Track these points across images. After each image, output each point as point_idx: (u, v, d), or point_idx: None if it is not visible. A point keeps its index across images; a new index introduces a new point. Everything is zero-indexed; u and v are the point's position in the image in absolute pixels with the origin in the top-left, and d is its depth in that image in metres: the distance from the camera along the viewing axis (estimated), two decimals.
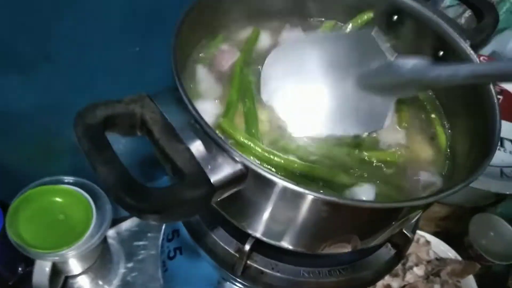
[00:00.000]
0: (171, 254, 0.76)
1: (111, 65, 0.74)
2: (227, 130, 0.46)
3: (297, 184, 0.35)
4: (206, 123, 0.37)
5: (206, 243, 0.54)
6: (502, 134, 1.01)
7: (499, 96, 1.07)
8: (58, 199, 0.82)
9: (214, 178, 0.36)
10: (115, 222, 0.97)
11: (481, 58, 1.08)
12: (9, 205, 0.77)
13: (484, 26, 0.57)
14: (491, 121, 0.46)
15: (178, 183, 0.34)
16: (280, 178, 0.36)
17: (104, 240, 0.93)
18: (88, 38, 0.67)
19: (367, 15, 0.62)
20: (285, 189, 0.37)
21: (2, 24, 0.58)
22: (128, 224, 1.01)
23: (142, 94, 0.39)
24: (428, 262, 1.02)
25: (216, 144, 0.37)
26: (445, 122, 0.57)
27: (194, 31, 0.53)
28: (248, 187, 0.39)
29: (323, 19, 0.65)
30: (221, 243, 0.53)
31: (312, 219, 0.42)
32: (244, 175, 0.38)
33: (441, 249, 1.02)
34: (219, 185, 0.36)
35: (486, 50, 1.19)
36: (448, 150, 0.54)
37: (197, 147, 0.37)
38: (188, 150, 0.36)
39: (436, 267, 0.99)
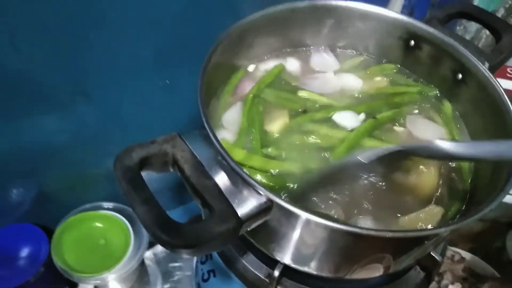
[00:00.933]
0: (205, 277, 0.78)
1: (142, 98, 0.78)
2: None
3: (322, 216, 0.37)
4: (232, 159, 0.40)
5: (237, 268, 0.57)
6: None
7: None
8: (98, 224, 0.85)
9: (241, 211, 0.39)
10: (151, 244, 1.00)
11: (508, 69, 1.07)
12: (53, 231, 0.81)
13: (502, 46, 0.57)
14: None
15: (208, 219, 0.37)
16: (303, 211, 0.38)
17: (142, 262, 0.96)
18: (121, 74, 0.71)
19: (389, 67, 0.66)
20: (309, 221, 0.39)
21: (44, 66, 0.63)
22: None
23: (173, 133, 0.43)
24: (465, 279, 1.00)
25: (241, 179, 0.40)
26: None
27: (218, 68, 0.56)
28: (273, 217, 0.42)
29: (349, 50, 0.68)
30: (251, 268, 0.56)
31: (338, 246, 0.44)
32: (269, 207, 0.40)
33: (478, 265, 0.99)
34: (246, 218, 0.39)
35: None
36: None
37: (224, 182, 0.40)
38: (216, 185, 0.39)
39: (473, 284, 0.97)
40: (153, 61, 0.73)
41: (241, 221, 0.38)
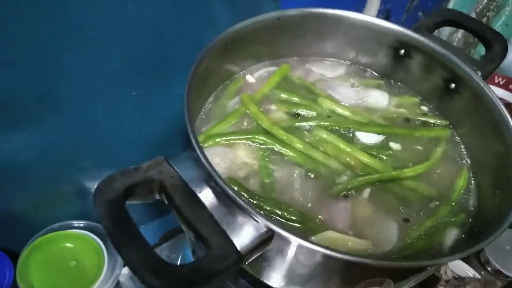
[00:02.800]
0: None
1: (116, 110, 0.74)
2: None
3: (326, 247, 0.34)
4: (227, 185, 0.36)
5: None
6: None
7: None
8: (68, 244, 0.80)
9: (241, 244, 0.35)
10: None
11: (496, 77, 1.08)
12: (19, 254, 0.75)
13: (493, 55, 0.56)
14: None
15: (205, 256, 0.33)
16: (307, 241, 0.34)
17: (117, 283, 0.91)
18: (93, 86, 0.67)
19: (379, 82, 0.64)
20: (313, 251, 0.36)
21: (9, 79, 0.58)
22: None
23: (160, 158, 0.38)
24: (447, 282, 1.00)
25: (239, 207, 0.36)
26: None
27: (206, 80, 0.53)
28: (273, 247, 0.38)
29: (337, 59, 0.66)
30: None
31: (338, 274, 0.41)
32: (270, 237, 0.37)
33: (459, 268, 0.99)
34: (247, 252, 0.35)
35: None
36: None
37: (219, 210, 0.36)
38: (211, 216, 0.36)
39: (455, 287, 0.97)
40: (126, 72, 0.69)
41: (241, 256, 0.35)
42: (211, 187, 0.38)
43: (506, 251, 0.98)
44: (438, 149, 0.56)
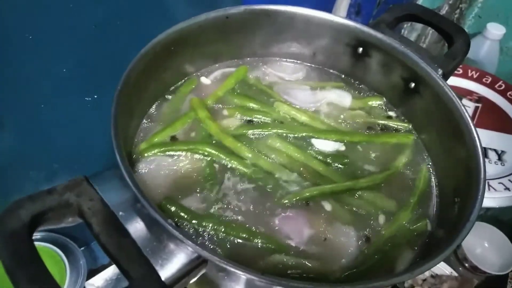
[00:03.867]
0: None
1: (67, 116, 0.70)
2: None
3: (262, 276, 0.30)
4: (154, 209, 0.33)
5: None
6: (484, 144, 0.99)
7: (477, 104, 1.06)
8: None
9: (167, 274, 0.32)
10: (93, 272, 0.92)
11: (469, 70, 1.06)
12: None
13: (455, 52, 0.53)
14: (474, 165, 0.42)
15: None
16: (243, 270, 0.31)
17: None
18: (38, 94, 0.63)
19: (339, 84, 0.61)
20: (251, 280, 0.32)
21: None
22: (110, 272, 0.95)
23: (79, 178, 0.34)
24: (424, 281, 0.98)
25: (167, 233, 0.32)
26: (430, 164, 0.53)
27: (149, 85, 0.49)
28: (210, 272, 0.35)
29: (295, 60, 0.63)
30: None
31: None
32: (202, 262, 0.33)
33: (436, 266, 0.98)
34: (173, 281, 0.32)
35: None
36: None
37: (144, 237, 0.33)
38: (134, 244, 0.32)
39: (432, 285, 0.96)
40: (75, 77, 0.65)
41: (166, 287, 0.31)
42: (137, 210, 0.34)
43: (483, 248, 0.97)
44: (400, 157, 0.52)
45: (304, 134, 0.52)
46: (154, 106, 0.54)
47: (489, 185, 0.93)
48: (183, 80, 0.57)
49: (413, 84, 0.53)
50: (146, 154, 0.47)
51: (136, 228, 0.33)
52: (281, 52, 0.62)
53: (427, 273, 0.99)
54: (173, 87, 0.57)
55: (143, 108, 0.52)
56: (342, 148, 0.52)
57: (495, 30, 1.09)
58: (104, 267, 0.96)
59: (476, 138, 0.44)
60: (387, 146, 0.54)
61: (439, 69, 0.52)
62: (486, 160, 0.95)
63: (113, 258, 0.31)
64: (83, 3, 0.56)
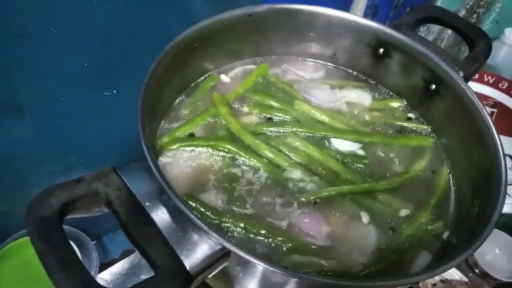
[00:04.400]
0: None
1: (86, 110, 0.70)
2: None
3: (284, 269, 0.31)
4: (180, 200, 0.33)
5: None
6: None
7: (493, 110, 1.05)
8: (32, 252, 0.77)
9: (191, 264, 0.32)
10: (104, 266, 0.93)
11: (485, 75, 1.05)
12: None
13: (476, 55, 0.53)
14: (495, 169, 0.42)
15: (151, 279, 0.30)
16: (266, 263, 0.31)
17: None
18: (59, 86, 0.64)
19: (359, 84, 0.62)
20: (273, 272, 0.32)
21: None
22: (120, 266, 0.96)
23: (107, 168, 0.35)
24: (433, 285, 0.98)
25: (192, 224, 0.33)
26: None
27: (171, 79, 0.50)
28: (231, 265, 0.35)
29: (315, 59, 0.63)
30: None
31: None
32: (226, 255, 0.34)
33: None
34: (198, 272, 0.32)
35: None
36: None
37: (170, 227, 0.33)
38: (159, 233, 0.32)
39: None
40: (96, 70, 0.65)
41: (191, 277, 0.31)
42: (163, 201, 0.35)
43: (494, 254, 0.97)
44: (420, 161, 0.52)
45: (323, 134, 0.53)
46: (176, 101, 0.55)
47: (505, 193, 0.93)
48: (204, 77, 0.58)
49: (434, 86, 0.53)
50: (168, 148, 0.48)
51: (162, 218, 0.34)
52: (301, 51, 0.62)
53: (437, 278, 0.99)
54: (194, 83, 0.57)
55: (166, 103, 0.53)
56: (361, 149, 0.52)
57: None
58: (114, 261, 0.98)
59: (498, 142, 0.44)
60: (406, 148, 0.54)
61: (460, 72, 0.52)
62: None
63: (139, 247, 0.32)
64: None
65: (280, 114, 0.55)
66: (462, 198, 0.48)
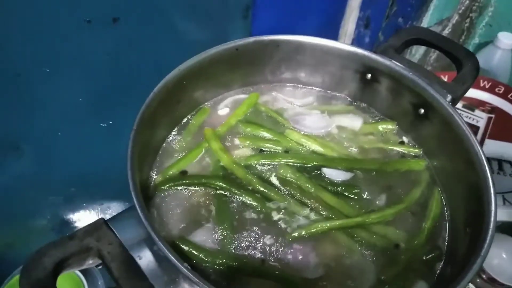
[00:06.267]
0: None
1: (83, 142, 0.72)
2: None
3: None
4: (171, 251, 0.34)
5: None
6: (498, 156, 0.98)
7: (490, 115, 1.05)
8: None
9: None
10: None
11: (481, 80, 1.05)
12: None
13: (464, 76, 0.53)
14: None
15: None
16: None
17: None
18: (55, 122, 0.65)
19: (349, 108, 0.62)
20: None
21: None
22: None
23: (98, 221, 0.36)
24: None
25: (183, 275, 0.33)
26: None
27: (162, 118, 0.51)
28: None
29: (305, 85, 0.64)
30: None
31: None
32: None
33: None
34: None
35: None
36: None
37: (161, 279, 0.34)
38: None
39: None
40: (90, 104, 0.67)
41: None
42: (153, 252, 0.35)
43: (502, 259, 0.96)
44: (414, 190, 0.52)
45: (315, 163, 0.53)
46: (169, 138, 0.55)
47: (504, 199, 0.92)
48: (195, 111, 0.59)
49: (422, 110, 0.54)
50: (161, 188, 0.49)
51: (153, 270, 0.34)
52: (290, 78, 0.62)
53: None
54: (186, 119, 0.58)
55: (159, 141, 0.54)
56: (353, 178, 0.53)
57: (506, 39, 1.08)
58: None
59: (487, 169, 0.44)
60: (398, 173, 0.54)
61: (448, 95, 0.52)
62: (501, 173, 0.94)
63: None
64: (95, 34, 0.58)
65: (271, 145, 0.55)
66: (456, 225, 0.48)
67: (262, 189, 0.49)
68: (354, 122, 0.59)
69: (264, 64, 0.60)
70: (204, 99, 0.59)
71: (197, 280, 0.33)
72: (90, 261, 0.35)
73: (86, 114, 0.68)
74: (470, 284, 0.94)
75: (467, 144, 0.47)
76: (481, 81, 1.05)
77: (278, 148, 0.55)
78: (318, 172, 0.53)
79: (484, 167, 0.44)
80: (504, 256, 0.96)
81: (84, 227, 0.35)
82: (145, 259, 0.35)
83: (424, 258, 0.46)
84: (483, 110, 1.04)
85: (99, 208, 0.84)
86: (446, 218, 0.50)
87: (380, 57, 0.54)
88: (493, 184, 0.43)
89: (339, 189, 0.51)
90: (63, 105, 0.64)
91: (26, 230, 0.80)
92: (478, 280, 0.96)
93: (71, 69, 0.60)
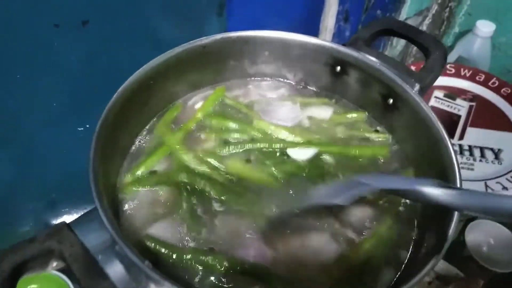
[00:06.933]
0: None
1: (62, 147, 0.71)
2: None
3: None
4: (130, 249, 0.34)
5: None
6: (480, 143, 0.99)
7: (472, 103, 1.05)
8: (33, 286, 0.77)
9: None
10: None
11: (448, 66, 1.06)
12: None
13: (432, 64, 0.54)
14: None
15: None
16: None
17: None
18: (32, 126, 0.64)
19: (322, 100, 0.62)
20: None
21: None
22: None
23: (60, 224, 0.36)
24: (430, 283, 0.98)
25: (145, 274, 0.33)
26: None
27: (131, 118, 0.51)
28: None
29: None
30: None
31: None
32: None
33: (440, 266, 0.97)
34: None
35: (452, 57, 1.16)
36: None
37: (123, 278, 0.34)
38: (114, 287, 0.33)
39: (438, 287, 0.95)
40: (65, 109, 0.66)
41: None
42: (116, 252, 0.35)
43: (489, 245, 0.96)
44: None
45: (280, 145, 0.54)
46: (139, 138, 0.55)
47: (487, 186, 0.93)
48: (165, 109, 0.59)
49: (391, 100, 0.54)
50: (130, 188, 0.49)
51: (115, 270, 0.34)
52: (261, 72, 0.62)
53: (432, 274, 0.99)
54: (156, 117, 0.58)
55: (127, 142, 0.54)
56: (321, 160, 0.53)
57: (484, 27, 1.08)
58: None
59: (454, 161, 0.44)
60: (368, 160, 0.54)
61: (416, 84, 0.52)
62: (483, 160, 0.95)
63: None
64: (65, 38, 0.58)
65: (238, 135, 0.55)
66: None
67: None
68: (324, 112, 0.59)
69: (234, 60, 0.59)
70: (175, 98, 0.59)
71: (158, 278, 0.33)
72: (54, 264, 0.34)
73: (62, 118, 0.67)
74: (459, 272, 0.94)
75: (434, 131, 0.47)
76: (462, 69, 1.06)
77: (245, 137, 0.55)
78: (285, 157, 0.53)
79: (450, 153, 0.44)
80: (492, 242, 0.96)
81: (46, 230, 0.35)
82: (106, 260, 0.35)
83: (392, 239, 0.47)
84: (464, 99, 1.05)
85: (82, 213, 0.83)
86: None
87: (348, 50, 0.54)
88: (459, 169, 0.43)
89: (305, 169, 0.52)
90: (39, 110, 0.63)
91: (9, 237, 0.79)
92: (467, 268, 0.97)
93: (44, 74, 0.60)
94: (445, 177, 0.45)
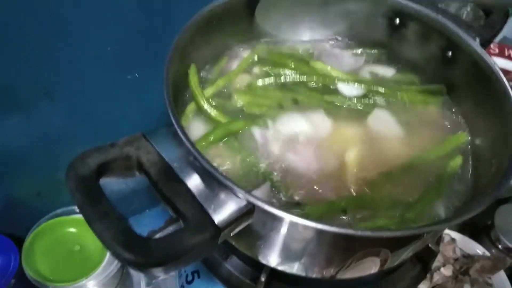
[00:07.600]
0: (189, 278, 0.74)
1: (110, 93, 0.73)
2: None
3: (307, 218, 0.33)
4: (205, 160, 0.35)
5: (221, 272, 0.53)
6: None
7: None
8: (72, 229, 0.81)
9: (219, 218, 0.34)
10: None
11: (491, 46, 1.04)
12: (24, 240, 0.76)
13: (492, 21, 0.53)
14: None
15: (181, 230, 0.32)
16: (289, 214, 0.33)
17: (122, 265, 0.92)
18: (84, 70, 0.66)
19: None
20: (296, 223, 0.34)
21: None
22: None
23: (137, 134, 0.38)
24: (456, 260, 0.98)
25: (217, 181, 0.35)
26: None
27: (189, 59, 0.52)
28: (256, 221, 0.37)
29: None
30: (236, 273, 0.51)
31: (329, 247, 0.40)
32: (250, 211, 0.36)
33: (468, 245, 0.97)
34: (225, 225, 0.34)
35: (496, 37, 1.13)
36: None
37: (198, 185, 0.35)
38: (189, 191, 0.35)
39: (464, 265, 0.95)
40: (118, 55, 0.68)
41: (219, 230, 0.34)
42: (190, 163, 0.37)
43: None
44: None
45: (330, 81, 0.55)
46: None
47: None
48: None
49: (450, 53, 0.54)
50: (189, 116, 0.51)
51: (190, 177, 0.36)
52: (319, 27, 0.63)
53: (458, 253, 0.99)
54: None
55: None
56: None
57: None
58: None
59: None
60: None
61: (477, 38, 0.52)
62: None
63: (170, 202, 0.34)
64: None
65: (292, 73, 0.56)
66: (481, 160, 0.49)
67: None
68: (386, 70, 0.60)
69: (288, 13, 0.60)
70: (234, 44, 0.61)
71: (230, 184, 0.34)
72: (130, 171, 0.36)
73: (113, 65, 0.69)
74: (486, 252, 0.94)
75: (494, 80, 0.47)
76: (506, 49, 1.04)
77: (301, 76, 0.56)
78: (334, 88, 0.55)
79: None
80: None
81: (124, 138, 0.37)
82: (181, 168, 0.37)
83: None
84: (509, 79, 1.03)
85: None
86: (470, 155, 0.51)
87: (409, 1, 0.55)
88: None
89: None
90: (91, 53, 0.65)
91: (53, 181, 0.82)
92: (493, 250, 0.96)
93: (100, 18, 0.61)
94: (506, 131, 0.46)
